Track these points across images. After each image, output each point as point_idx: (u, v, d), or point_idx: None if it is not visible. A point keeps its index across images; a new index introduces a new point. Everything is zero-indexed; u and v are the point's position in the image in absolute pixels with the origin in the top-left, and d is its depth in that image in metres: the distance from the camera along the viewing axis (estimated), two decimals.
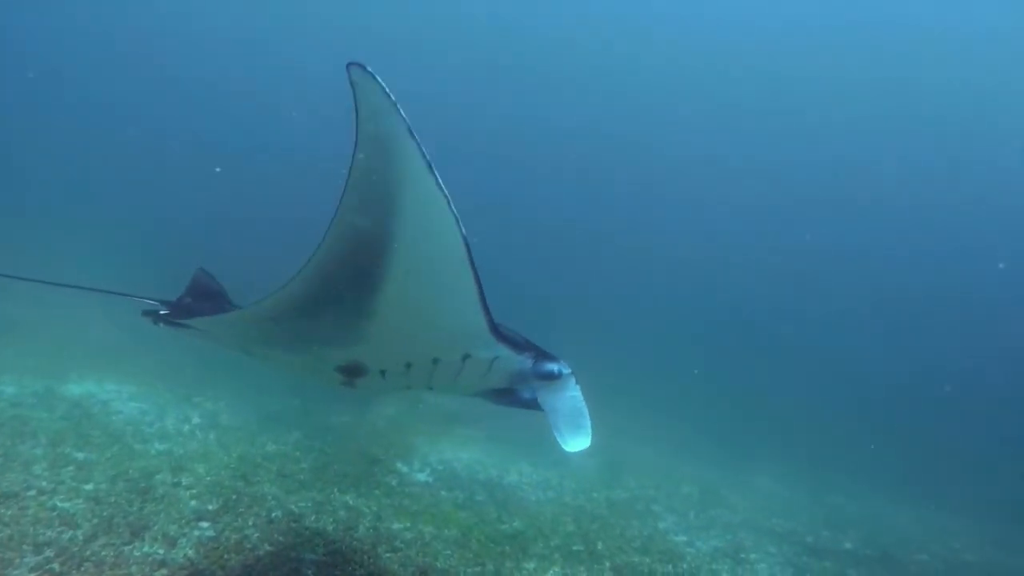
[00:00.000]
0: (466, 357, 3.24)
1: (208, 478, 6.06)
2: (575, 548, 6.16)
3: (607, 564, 5.87)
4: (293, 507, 5.80)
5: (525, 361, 3.34)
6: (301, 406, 10.54)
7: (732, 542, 7.30)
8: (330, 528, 5.50)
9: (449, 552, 5.55)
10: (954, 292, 28.99)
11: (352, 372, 3.49)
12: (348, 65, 2.14)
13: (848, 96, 31.64)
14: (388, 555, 5.19)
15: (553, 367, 3.39)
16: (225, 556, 4.63)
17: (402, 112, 2.19)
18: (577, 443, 3.26)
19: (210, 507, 5.40)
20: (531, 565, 5.64)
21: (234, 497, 5.69)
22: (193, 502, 5.46)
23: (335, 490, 6.59)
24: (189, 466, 6.28)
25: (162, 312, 3.72)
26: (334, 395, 11.65)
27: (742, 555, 6.86)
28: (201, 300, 4.05)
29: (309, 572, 4.62)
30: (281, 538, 5.08)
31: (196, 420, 8.01)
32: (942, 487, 11.91)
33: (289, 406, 10.25)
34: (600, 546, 6.37)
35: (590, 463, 10.62)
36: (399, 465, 8.15)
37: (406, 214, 2.54)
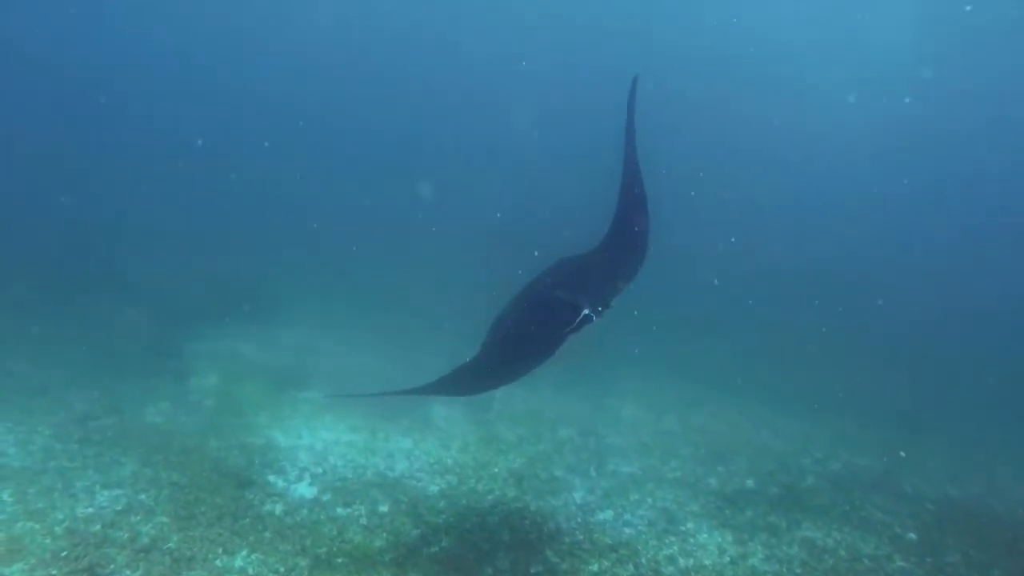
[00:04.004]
0: None
1: None
2: (533, 571, 5.40)
3: None
4: None
5: None
6: (104, 401, 8.34)
7: (657, 509, 7.05)
8: None
9: None
10: None
11: None
12: None
13: None
14: None
15: None
16: None
17: None
18: None
19: None
20: None
21: None
22: None
23: (220, 551, 5.09)
24: None
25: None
26: (127, 375, 9.50)
27: (681, 527, 6.63)
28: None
29: None
30: None
31: None
32: (775, 385, 13.04)
33: (94, 406, 8.03)
34: (551, 555, 5.69)
35: (456, 414, 9.89)
36: (271, 478, 6.69)
37: None
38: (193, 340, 11.86)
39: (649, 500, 7.34)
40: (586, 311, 4.59)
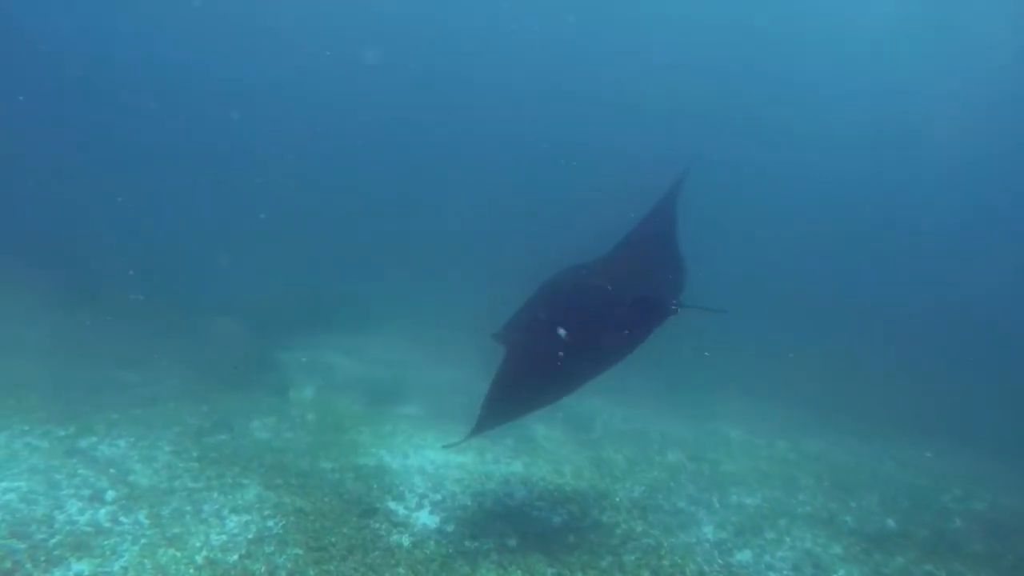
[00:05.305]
0: None
1: None
2: None
3: None
4: None
5: None
6: (213, 416, 8.24)
7: (798, 551, 6.51)
8: None
9: None
10: None
11: None
12: None
13: None
14: None
15: None
16: None
17: None
18: None
19: None
20: None
21: None
22: None
23: None
24: None
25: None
26: (229, 387, 9.45)
27: (831, 575, 6.09)
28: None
29: None
30: None
31: (111, 493, 5.64)
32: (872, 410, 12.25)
33: (204, 420, 7.95)
34: None
35: (557, 433, 9.53)
36: (392, 505, 6.41)
37: None
38: (287, 351, 11.83)
39: (787, 540, 6.80)
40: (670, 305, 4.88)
